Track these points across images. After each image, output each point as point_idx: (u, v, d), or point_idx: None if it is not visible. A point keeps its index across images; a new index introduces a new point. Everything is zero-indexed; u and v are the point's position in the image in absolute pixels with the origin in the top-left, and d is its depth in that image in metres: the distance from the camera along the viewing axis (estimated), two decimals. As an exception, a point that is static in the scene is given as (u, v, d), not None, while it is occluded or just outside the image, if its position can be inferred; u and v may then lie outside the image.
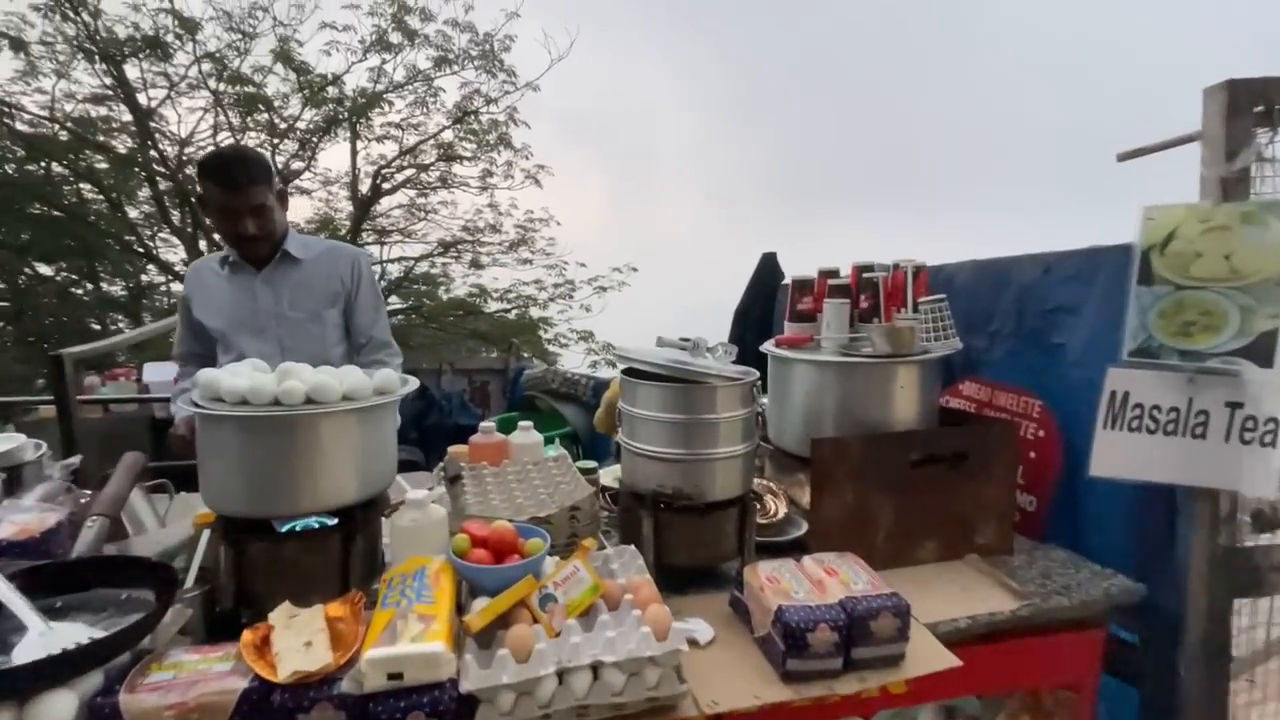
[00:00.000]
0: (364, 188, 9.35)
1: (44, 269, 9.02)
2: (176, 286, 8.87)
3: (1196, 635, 1.22)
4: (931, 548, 1.26)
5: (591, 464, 1.45)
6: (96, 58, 7.38)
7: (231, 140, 8.23)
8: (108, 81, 7.71)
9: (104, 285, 9.46)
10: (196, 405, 0.94)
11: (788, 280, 2.75)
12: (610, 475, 1.60)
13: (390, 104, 8.83)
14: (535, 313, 10.05)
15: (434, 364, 4.13)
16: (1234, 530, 1.19)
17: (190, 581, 0.97)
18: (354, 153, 9.15)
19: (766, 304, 2.61)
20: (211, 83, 7.94)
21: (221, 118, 8.26)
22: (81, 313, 9.32)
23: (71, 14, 7.05)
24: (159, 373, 4.05)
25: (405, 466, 3.43)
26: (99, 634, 0.77)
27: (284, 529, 1.01)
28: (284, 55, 7.87)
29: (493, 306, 9.98)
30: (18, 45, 6.98)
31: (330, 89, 8.39)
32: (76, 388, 1.84)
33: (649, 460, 1.12)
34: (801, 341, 1.44)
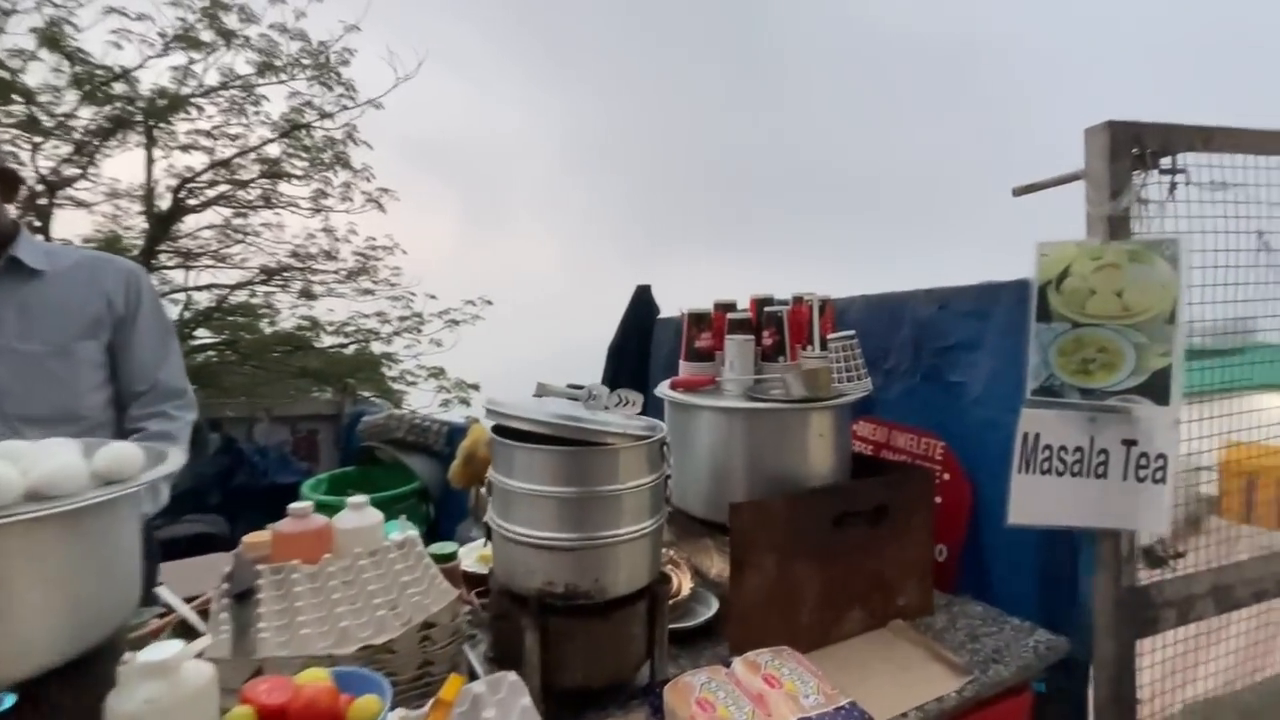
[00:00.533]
0: (164, 203, 7.96)
1: None
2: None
3: (1104, 679, 1.18)
4: (857, 618, 1.11)
5: (450, 547, 1.13)
6: None
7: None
8: None
9: None
10: None
11: (665, 315, 2.63)
12: (474, 556, 1.28)
13: (199, 109, 7.65)
14: (377, 347, 9.12)
15: (245, 411, 3.43)
16: (1133, 570, 1.18)
17: None
18: (150, 161, 7.77)
19: (642, 340, 2.44)
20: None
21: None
22: None
23: None
24: None
25: (200, 543, 2.73)
26: None
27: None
28: (50, 38, 6.51)
29: (327, 341, 8.91)
30: None
31: (118, 85, 7.09)
32: None
33: (532, 550, 0.84)
34: (701, 384, 1.26)
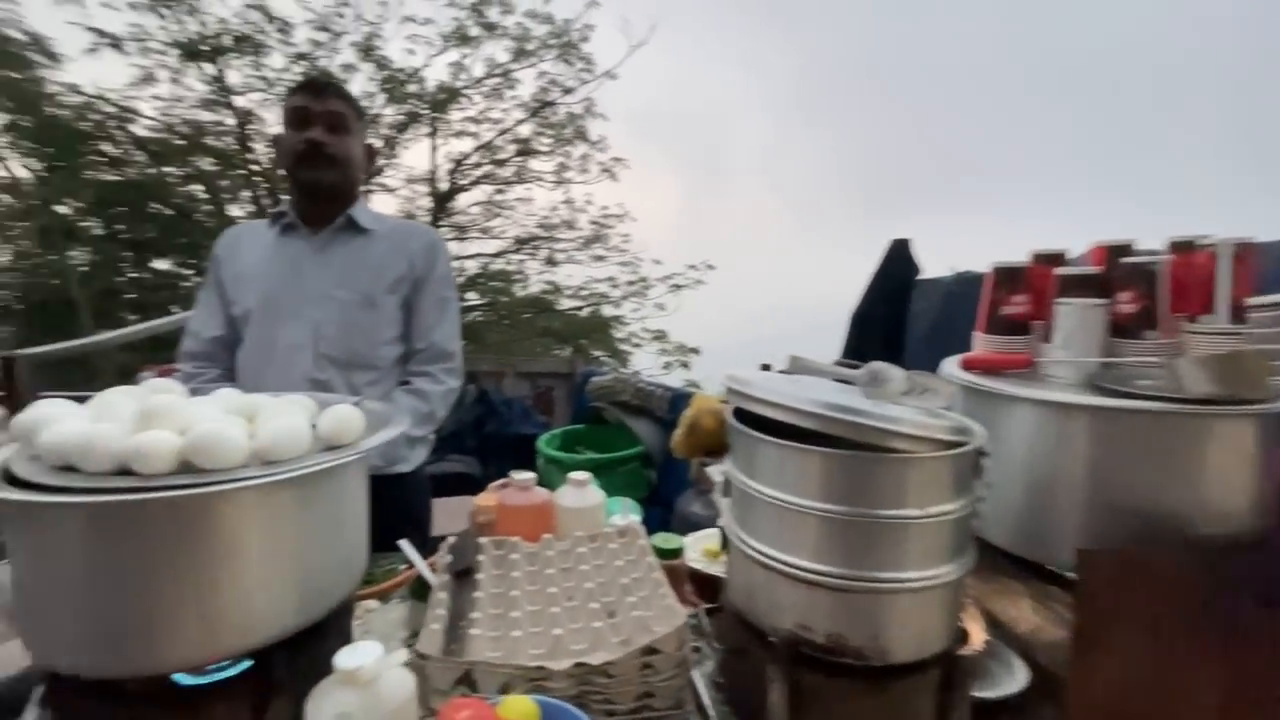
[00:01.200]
0: (443, 185, 9.32)
1: (160, 264, 9.56)
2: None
3: None
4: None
5: (675, 540, 0.97)
6: (198, 60, 7.65)
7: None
8: (213, 87, 8.00)
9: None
10: (7, 477, 0.54)
11: (931, 274, 2.16)
12: (700, 548, 1.13)
13: (469, 98, 8.73)
14: (608, 310, 9.71)
15: (496, 366, 3.79)
16: None
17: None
18: (433, 149, 9.12)
19: (895, 306, 2.04)
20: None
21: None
22: (188, 307, 9.84)
23: (166, 9, 7.29)
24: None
25: (457, 481, 3.06)
26: None
27: (180, 679, 0.60)
28: (366, 50, 7.90)
29: (566, 304, 9.73)
30: (115, 45, 7.31)
31: (411, 85, 8.37)
32: (41, 387, 1.55)
33: (783, 579, 0.64)
34: (1013, 365, 0.91)
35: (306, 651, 0.61)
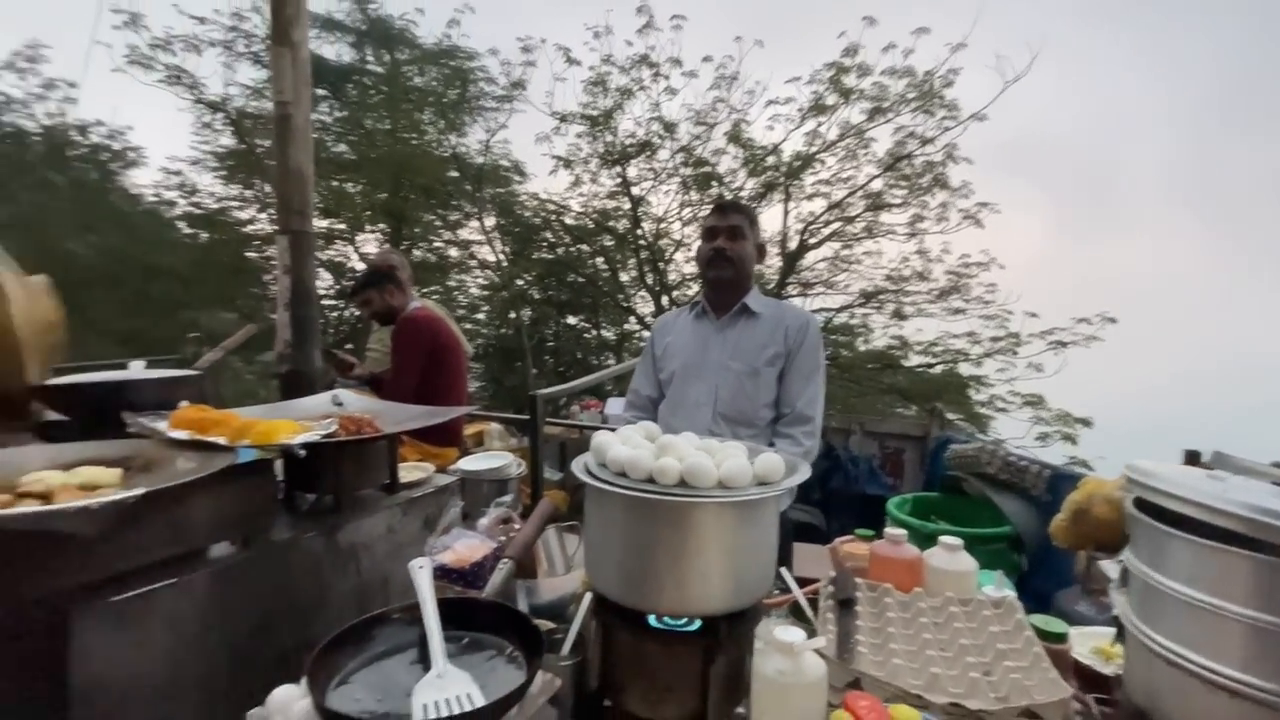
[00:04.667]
0: (792, 244, 9.88)
1: (571, 319, 12.44)
2: (646, 333, 11.00)
3: None
4: None
5: (1058, 625, 0.95)
6: (610, 165, 9.88)
7: (691, 211, 9.87)
8: (617, 182, 10.24)
9: (603, 332, 12.45)
10: (588, 471, 0.92)
11: None
12: (1089, 645, 1.05)
13: (821, 162, 9.15)
14: (965, 369, 8.76)
15: (843, 423, 3.86)
16: None
17: (568, 647, 0.96)
18: (785, 213, 9.79)
19: None
20: (682, 170, 9.69)
21: (685, 196, 9.98)
22: (589, 353, 12.48)
23: (598, 135, 9.64)
24: (617, 407, 4.96)
25: (805, 530, 3.24)
26: (476, 691, 0.78)
27: (652, 621, 0.91)
28: (735, 136, 9.02)
29: (914, 360, 9.15)
30: (567, 165, 9.92)
31: (770, 158, 9.21)
32: (557, 415, 2.25)
33: (1200, 686, 0.62)
34: None
35: (738, 627, 0.85)
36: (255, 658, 1.13)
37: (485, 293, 11.82)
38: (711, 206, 1.80)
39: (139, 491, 0.85)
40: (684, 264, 10.67)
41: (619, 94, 9.26)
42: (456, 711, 0.73)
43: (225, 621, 1.08)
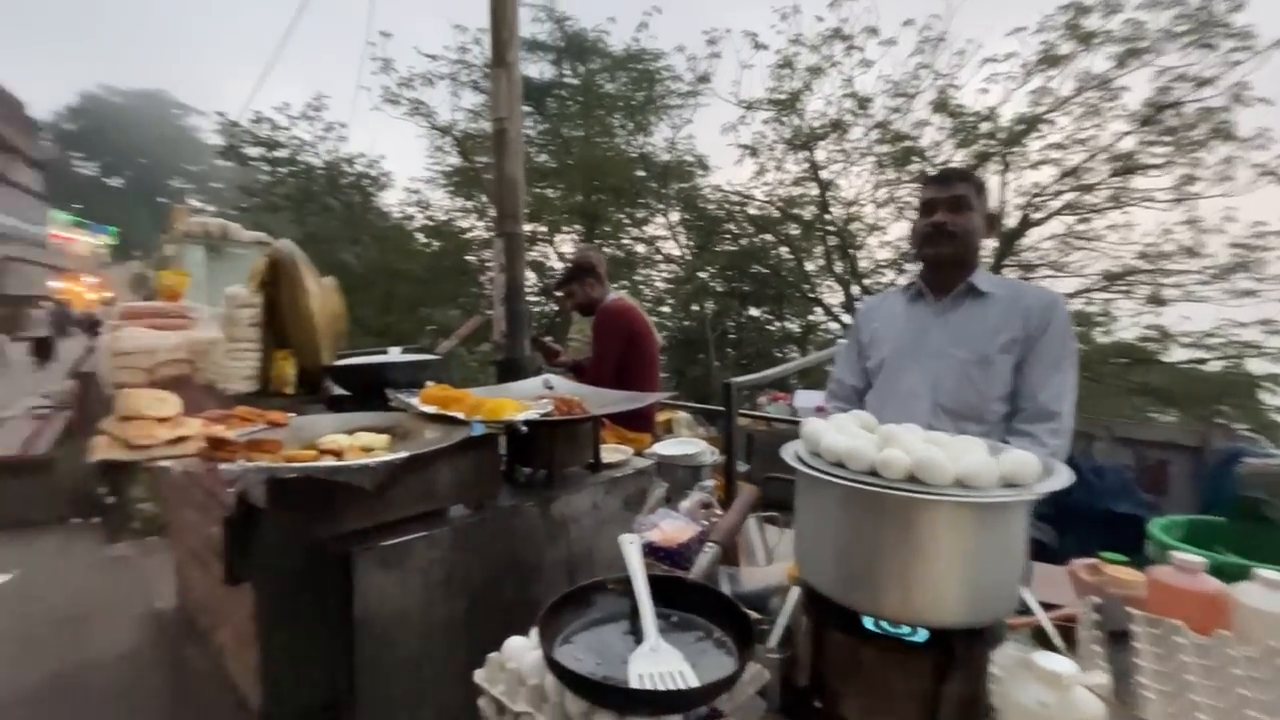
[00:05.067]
0: (1010, 220, 8.65)
1: (754, 311, 12.27)
2: (833, 325, 10.46)
3: None
4: None
5: None
6: (797, 150, 9.50)
7: (886, 192, 9.12)
8: (804, 167, 9.83)
9: (787, 323, 12.10)
10: (800, 460, 0.88)
11: None
12: None
13: (1051, 124, 7.85)
14: (1257, 366, 6.94)
15: (1086, 426, 3.28)
16: None
17: (775, 639, 0.92)
18: (1002, 185, 8.59)
19: None
20: (877, 148, 8.98)
21: (880, 175, 9.24)
22: (771, 345, 12.23)
23: (785, 119, 9.32)
24: (806, 399, 4.75)
25: (1031, 547, 2.81)
26: (688, 670, 0.78)
27: (870, 625, 0.84)
28: (941, 104, 8.12)
29: (1178, 354, 7.47)
30: (753, 153, 9.74)
31: (984, 125, 8.14)
32: (742, 406, 2.23)
33: None
34: None
35: (976, 646, 0.74)
36: (486, 609, 1.27)
37: (670, 286, 12.12)
38: (928, 177, 1.59)
39: (405, 455, 0.99)
40: (877, 249, 9.93)
41: (808, 73, 8.86)
42: (672, 687, 0.74)
43: (464, 574, 1.23)
